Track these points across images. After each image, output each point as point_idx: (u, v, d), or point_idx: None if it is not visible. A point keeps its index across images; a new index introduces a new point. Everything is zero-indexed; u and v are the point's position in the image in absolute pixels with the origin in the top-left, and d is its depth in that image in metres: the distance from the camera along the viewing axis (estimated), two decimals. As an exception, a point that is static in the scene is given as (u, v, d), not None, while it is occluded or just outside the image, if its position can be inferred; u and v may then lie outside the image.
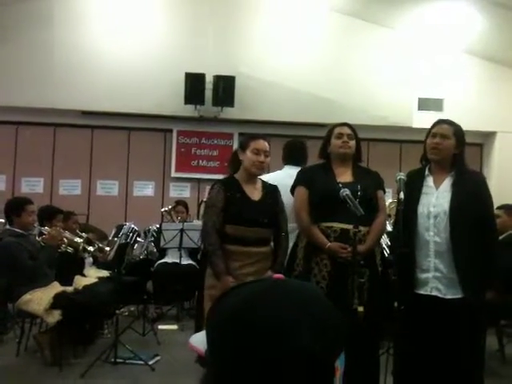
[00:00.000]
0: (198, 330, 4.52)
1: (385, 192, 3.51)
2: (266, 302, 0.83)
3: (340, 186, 3.24)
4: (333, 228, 3.21)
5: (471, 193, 3.07)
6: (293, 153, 4.38)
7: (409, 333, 3.10)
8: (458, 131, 3.16)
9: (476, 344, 3.09)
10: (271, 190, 3.40)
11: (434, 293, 3.05)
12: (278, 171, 4.26)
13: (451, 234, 3.01)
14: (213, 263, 3.22)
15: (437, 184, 3.14)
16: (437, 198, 3.10)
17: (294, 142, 4.60)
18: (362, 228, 3.18)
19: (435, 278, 3.05)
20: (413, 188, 3.16)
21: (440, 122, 3.22)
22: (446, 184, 3.12)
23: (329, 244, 3.18)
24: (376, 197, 3.34)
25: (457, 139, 3.14)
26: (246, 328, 0.81)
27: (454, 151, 3.14)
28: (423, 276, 3.08)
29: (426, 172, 3.20)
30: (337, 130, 3.41)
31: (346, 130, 3.41)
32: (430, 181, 3.17)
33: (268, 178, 3.76)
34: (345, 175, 3.37)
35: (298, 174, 3.51)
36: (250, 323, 0.81)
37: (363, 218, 3.12)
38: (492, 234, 3.17)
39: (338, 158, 3.40)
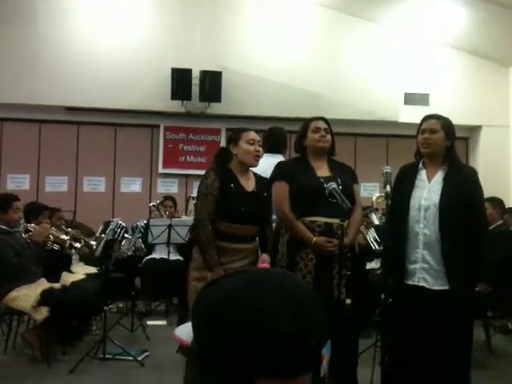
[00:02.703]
0: (181, 322, 4.51)
1: (357, 184, 3.55)
2: (251, 291, 0.83)
3: (321, 180, 3.27)
4: (317, 222, 3.23)
5: (462, 186, 3.13)
6: (273, 140, 4.36)
7: (397, 323, 3.15)
8: (445, 124, 3.23)
9: (463, 335, 3.13)
10: (263, 183, 3.40)
11: (422, 283, 3.11)
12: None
13: (440, 226, 3.07)
14: (207, 254, 3.20)
15: (429, 177, 3.21)
16: (428, 191, 3.16)
17: (274, 129, 4.58)
18: (343, 221, 3.23)
19: (423, 269, 3.11)
20: (406, 181, 3.25)
21: (428, 117, 3.30)
22: (438, 177, 3.18)
23: (315, 238, 3.20)
24: (352, 190, 3.38)
25: (445, 132, 3.20)
26: (231, 316, 0.81)
27: (445, 143, 3.21)
28: (411, 267, 3.15)
29: (420, 166, 3.26)
30: (313, 124, 3.42)
31: (323, 125, 3.42)
32: (423, 174, 3.23)
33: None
34: (322, 169, 3.39)
35: (276, 168, 3.50)
36: (235, 312, 0.82)
37: (344, 212, 3.16)
38: (482, 226, 3.22)
39: (315, 152, 3.42)
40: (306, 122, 3.49)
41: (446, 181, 3.14)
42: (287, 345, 0.80)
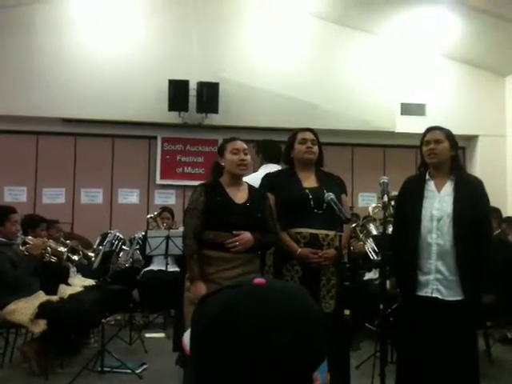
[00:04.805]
0: (176, 334, 4.48)
1: (347, 195, 3.55)
2: (244, 310, 0.81)
3: (307, 191, 3.27)
4: (302, 234, 3.22)
5: (471, 197, 3.16)
6: (270, 151, 4.35)
7: (406, 333, 3.15)
8: (449, 134, 3.29)
9: (472, 345, 3.15)
10: (258, 195, 3.33)
11: (435, 294, 3.11)
12: (255, 173, 4.09)
13: (454, 236, 3.09)
14: (189, 267, 3.19)
15: (438, 188, 3.23)
16: (439, 201, 3.18)
17: (268, 141, 4.60)
18: (329, 232, 3.23)
19: (436, 280, 3.11)
20: (414, 192, 3.27)
21: (431, 128, 3.33)
22: (448, 188, 3.21)
23: (299, 250, 3.19)
24: (341, 201, 3.35)
25: (450, 142, 3.25)
26: (221, 336, 0.80)
27: (451, 153, 3.25)
28: (424, 278, 3.14)
29: (427, 177, 3.28)
30: (300, 136, 3.41)
31: (310, 136, 3.41)
32: (431, 185, 3.25)
33: (247, 179, 3.74)
34: (309, 180, 3.38)
35: (263, 179, 3.49)
36: (225, 331, 0.80)
37: (330, 223, 3.17)
38: (487, 238, 3.22)
39: (302, 164, 3.42)
40: (293, 133, 3.47)
41: (457, 191, 3.17)
42: (274, 367, 0.78)
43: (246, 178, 3.55)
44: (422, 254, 3.15)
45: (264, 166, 4.24)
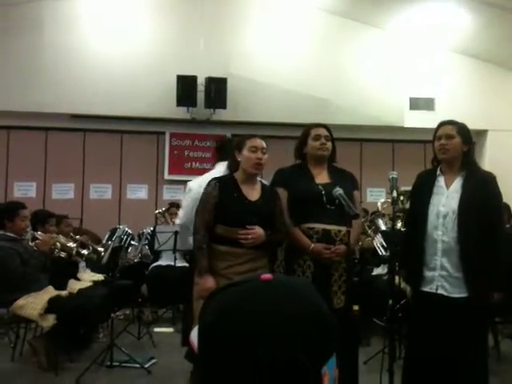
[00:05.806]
0: (185, 329, 4.49)
1: (358, 191, 3.54)
2: (251, 306, 0.81)
3: (320, 187, 3.26)
4: (314, 229, 3.21)
5: (480, 193, 3.11)
6: (224, 150, 4.20)
7: (413, 329, 3.16)
8: (461, 129, 3.24)
9: (479, 343, 3.12)
10: (270, 194, 3.33)
11: (440, 291, 3.10)
12: (212, 171, 3.99)
13: (459, 233, 3.06)
14: (197, 260, 3.20)
15: (447, 184, 3.20)
16: (447, 197, 3.15)
17: (222, 140, 4.55)
18: (341, 228, 3.22)
19: (441, 277, 3.10)
20: (424, 188, 3.25)
21: (443, 123, 3.29)
22: (457, 184, 3.17)
23: (312, 245, 3.18)
24: (352, 197, 3.34)
25: (462, 137, 3.20)
26: (228, 332, 0.79)
27: (463, 148, 3.21)
28: (429, 274, 3.14)
29: (438, 172, 3.26)
30: (314, 132, 3.38)
31: (324, 132, 3.38)
32: (441, 181, 3.23)
33: (202, 179, 3.66)
34: (321, 176, 3.37)
35: (275, 174, 3.48)
36: (232, 328, 0.80)
37: (342, 219, 3.16)
38: (496, 235, 3.15)
39: (315, 160, 3.40)
40: (306, 129, 3.45)
41: (465, 187, 3.13)
42: (280, 363, 0.77)
43: (199, 179, 3.64)
44: (428, 250, 3.14)
45: (220, 164, 4.06)
